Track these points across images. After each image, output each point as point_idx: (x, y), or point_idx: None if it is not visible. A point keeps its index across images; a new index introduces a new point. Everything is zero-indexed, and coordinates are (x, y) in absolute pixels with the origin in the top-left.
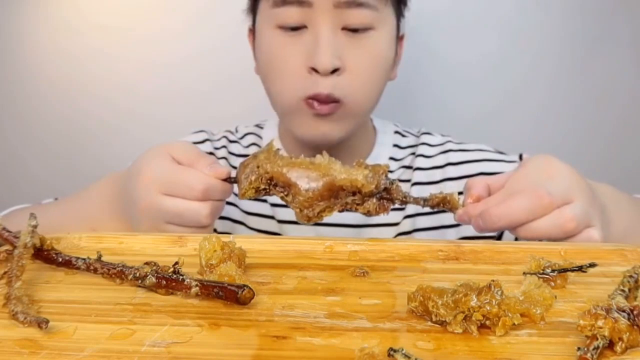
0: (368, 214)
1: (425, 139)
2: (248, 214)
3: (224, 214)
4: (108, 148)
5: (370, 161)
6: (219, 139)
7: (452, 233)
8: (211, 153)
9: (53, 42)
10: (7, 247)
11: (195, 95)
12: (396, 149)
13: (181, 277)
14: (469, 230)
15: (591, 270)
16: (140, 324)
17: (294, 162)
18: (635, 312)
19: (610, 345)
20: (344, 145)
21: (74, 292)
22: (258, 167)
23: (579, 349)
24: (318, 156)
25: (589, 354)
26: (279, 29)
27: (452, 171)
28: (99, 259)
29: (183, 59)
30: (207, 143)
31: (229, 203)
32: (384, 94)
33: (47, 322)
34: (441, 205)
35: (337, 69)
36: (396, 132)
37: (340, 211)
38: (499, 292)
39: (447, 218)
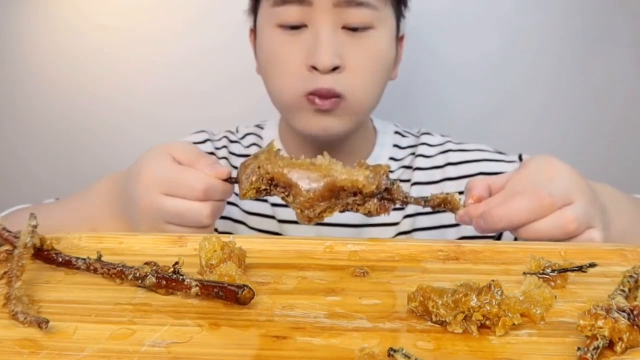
0: (369, 214)
1: (425, 139)
2: (249, 214)
3: (224, 213)
4: (108, 148)
5: (370, 161)
6: (219, 139)
7: (451, 232)
8: (212, 153)
9: (53, 42)
10: (7, 247)
11: (195, 95)
12: (396, 149)
13: (181, 277)
14: (468, 229)
15: (591, 270)
16: (140, 324)
17: (294, 162)
18: (635, 312)
19: (610, 345)
20: (345, 146)
21: (74, 292)
22: (259, 167)
23: (579, 349)
24: (319, 157)
25: (589, 354)
26: (279, 28)
27: (451, 171)
28: (99, 259)
29: (183, 59)
30: (208, 143)
31: (229, 203)
32: (384, 94)
33: (47, 322)
34: (442, 205)
35: (337, 67)
36: (396, 132)
37: (341, 212)
38: (499, 292)
39: (447, 218)
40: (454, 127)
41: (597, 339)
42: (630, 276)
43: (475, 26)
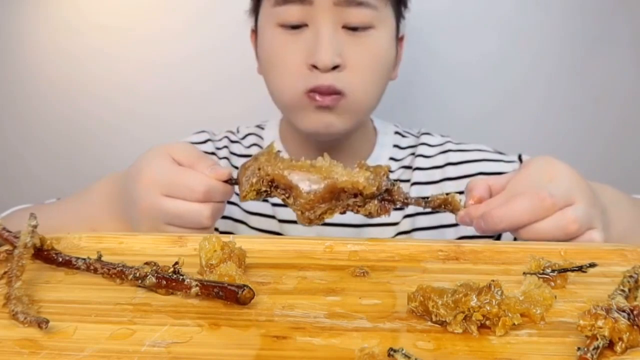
0: (369, 215)
1: (425, 139)
2: (249, 214)
3: (225, 213)
4: (108, 148)
5: (370, 162)
6: (220, 139)
7: (451, 232)
8: (213, 153)
9: (53, 42)
10: (7, 247)
11: (195, 95)
12: (396, 149)
13: (181, 277)
14: (468, 229)
15: (591, 270)
16: (140, 324)
17: (295, 164)
18: (635, 312)
19: (610, 345)
20: (345, 146)
21: (74, 292)
22: (259, 169)
23: (579, 349)
24: (319, 158)
25: (589, 354)
26: (280, 28)
27: (451, 171)
28: (99, 259)
29: (183, 59)
30: (209, 143)
31: (230, 202)
32: (384, 94)
33: (47, 322)
34: (442, 206)
35: (337, 65)
36: (396, 132)
37: (341, 213)
38: (499, 292)
39: (447, 217)
40: (454, 127)
41: (597, 339)
42: (630, 276)
43: (475, 26)
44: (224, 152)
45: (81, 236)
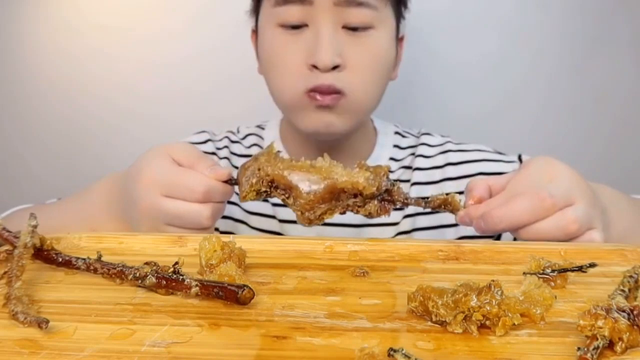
0: (369, 215)
1: (424, 139)
2: (249, 214)
3: (225, 213)
4: (108, 148)
5: (370, 162)
6: (220, 139)
7: (451, 232)
8: (213, 153)
9: (53, 42)
10: (7, 247)
11: (195, 95)
12: (396, 149)
13: (181, 277)
14: (468, 229)
15: (591, 270)
16: (140, 324)
17: (294, 164)
18: (635, 312)
19: (610, 345)
20: (345, 146)
21: (74, 292)
22: (259, 169)
23: (579, 349)
24: (319, 159)
25: (589, 354)
26: (280, 28)
27: (451, 171)
28: (99, 259)
29: (183, 59)
30: (210, 143)
31: (230, 202)
32: (384, 94)
33: (47, 322)
34: (442, 206)
35: (337, 65)
36: (396, 132)
37: (341, 213)
38: (499, 292)
39: (447, 217)
40: (454, 127)
41: (597, 339)
42: (630, 276)
43: (475, 26)
44: (224, 152)
45: (81, 236)
